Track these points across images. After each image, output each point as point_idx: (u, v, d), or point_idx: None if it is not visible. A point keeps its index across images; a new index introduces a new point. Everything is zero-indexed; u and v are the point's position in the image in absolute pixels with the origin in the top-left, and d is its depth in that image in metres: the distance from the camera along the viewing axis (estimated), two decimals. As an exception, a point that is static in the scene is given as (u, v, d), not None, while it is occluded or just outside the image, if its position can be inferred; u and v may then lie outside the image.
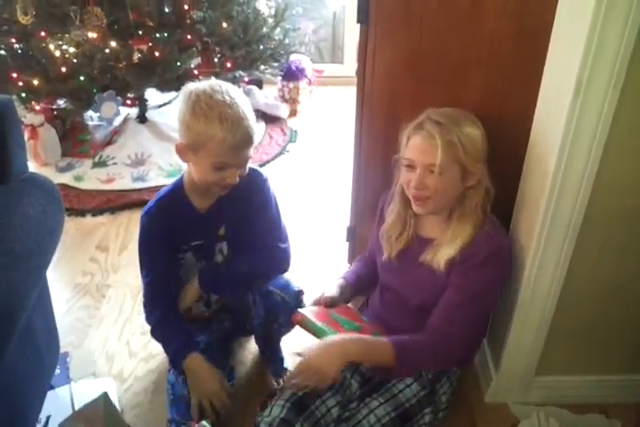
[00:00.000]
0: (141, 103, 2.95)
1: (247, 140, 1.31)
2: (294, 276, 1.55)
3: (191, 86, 1.31)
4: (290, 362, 1.64)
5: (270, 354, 1.64)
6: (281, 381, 1.60)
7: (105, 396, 1.37)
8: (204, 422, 1.29)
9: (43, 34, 2.48)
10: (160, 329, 1.48)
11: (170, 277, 1.48)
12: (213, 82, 1.32)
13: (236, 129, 1.27)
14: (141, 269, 1.50)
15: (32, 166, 2.66)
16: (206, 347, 1.47)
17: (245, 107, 1.30)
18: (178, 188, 1.44)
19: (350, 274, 1.57)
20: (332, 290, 1.48)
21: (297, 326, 1.42)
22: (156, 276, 1.48)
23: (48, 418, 1.44)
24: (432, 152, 1.22)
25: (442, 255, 1.31)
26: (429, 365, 1.37)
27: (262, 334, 1.58)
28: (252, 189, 1.46)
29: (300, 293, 1.50)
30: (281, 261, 1.51)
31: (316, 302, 1.46)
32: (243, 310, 1.53)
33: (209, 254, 1.51)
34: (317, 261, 2.16)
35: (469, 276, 1.30)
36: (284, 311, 1.47)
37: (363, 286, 1.58)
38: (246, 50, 2.86)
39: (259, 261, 1.49)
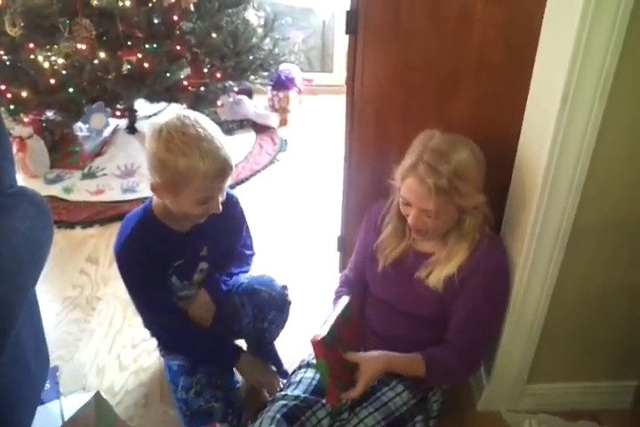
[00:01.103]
0: (131, 114, 2.95)
1: (229, 168, 1.29)
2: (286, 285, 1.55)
3: (159, 122, 1.25)
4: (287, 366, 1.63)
5: (267, 357, 1.63)
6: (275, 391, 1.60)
7: (97, 395, 1.36)
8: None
9: (31, 45, 2.48)
10: (195, 341, 1.48)
11: (169, 300, 1.48)
12: (181, 114, 1.27)
13: (216, 161, 1.24)
14: (142, 307, 1.47)
15: (21, 178, 2.65)
16: None
17: (218, 134, 1.27)
18: (148, 215, 1.39)
19: None
20: None
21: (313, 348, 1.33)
22: (159, 306, 1.45)
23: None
24: (426, 198, 1.22)
25: (437, 275, 1.33)
26: (457, 374, 1.42)
27: (253, 336, 1.58)
28: (229, 208, 1.46)
29: (285, 288, 1.52)
30: (249, 266, 1.62)
31: None
32: (230, 314, 1.54)
33: (190, 274, 1.50)
34: (308, 270, 2.15)
35: (477, 296, 1.32)
36: (272, 307, 1.49)
37: (360, 309, 1.53)
38: (236, 60, 2.87)
39: (240, 270, 1.57)
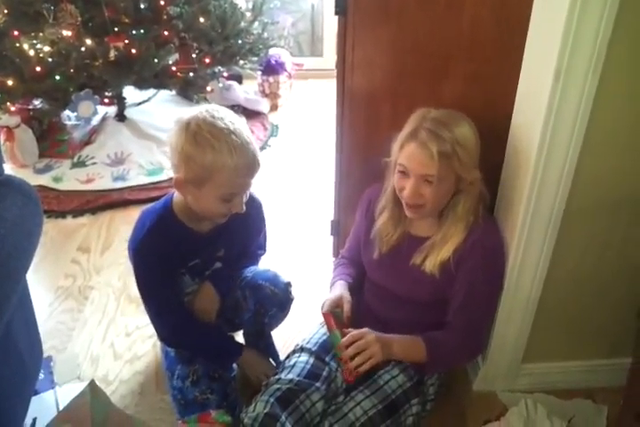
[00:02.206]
0: (119, 101, 2.91)
1: (257, 164, 1.27)
2: (280, 269, 1.55)
3: (187, 116, 1.22)
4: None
5: (264, 349, 1.62)
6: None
7: (92, 384, 1.35)
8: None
9: (16, 33, 2.43)
10: (197, 339, 1.47)
11: (180, 300, 1.46)
12: (209, 108, 1.24)
13: (244, 156, 1.22)
14: (149, 304, 1.43)
15: (9, 168, 2.63)
16: None
17: (246, 130, 1.26)
18: (167, 213, 1.36)
19: (345, 276, 1.53)
20: (343, 293, 1.44)
21: (324, 321, 1.41)
22: (169, 307, 1.42)
23: (34, 420, 1.42)
24: (428, 163, 1.21)
25: (432, 260, 1.33)
26: (458, 356, 1.42)
27: (252, 329, 1.58)
28: (251, 211, 1.43)
29: (289, 284, 1.52)
30: (257, 262, 1.62)
31: (335, 303, 1.42)
32: (232, 307, 1.53)
33: (203, 273, 1.49)
34: (302, 255, 2.15)
35: (475, 276, 1.32)
36: (274, 304, 1.49)
37: (357, 287, 1.55)
38: (225, 45, 2.84)
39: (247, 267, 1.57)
